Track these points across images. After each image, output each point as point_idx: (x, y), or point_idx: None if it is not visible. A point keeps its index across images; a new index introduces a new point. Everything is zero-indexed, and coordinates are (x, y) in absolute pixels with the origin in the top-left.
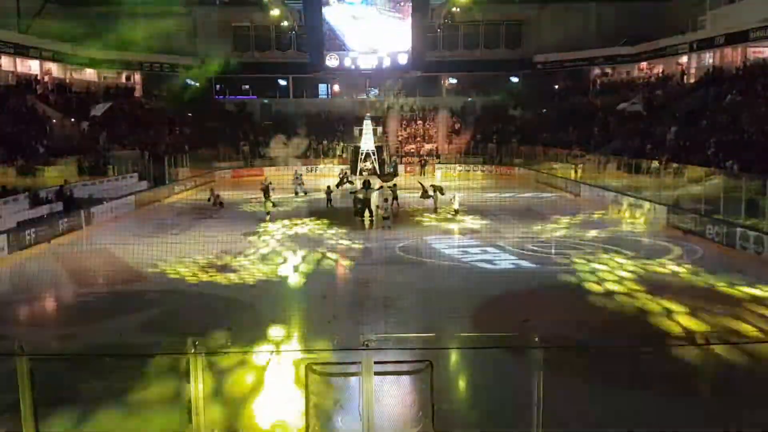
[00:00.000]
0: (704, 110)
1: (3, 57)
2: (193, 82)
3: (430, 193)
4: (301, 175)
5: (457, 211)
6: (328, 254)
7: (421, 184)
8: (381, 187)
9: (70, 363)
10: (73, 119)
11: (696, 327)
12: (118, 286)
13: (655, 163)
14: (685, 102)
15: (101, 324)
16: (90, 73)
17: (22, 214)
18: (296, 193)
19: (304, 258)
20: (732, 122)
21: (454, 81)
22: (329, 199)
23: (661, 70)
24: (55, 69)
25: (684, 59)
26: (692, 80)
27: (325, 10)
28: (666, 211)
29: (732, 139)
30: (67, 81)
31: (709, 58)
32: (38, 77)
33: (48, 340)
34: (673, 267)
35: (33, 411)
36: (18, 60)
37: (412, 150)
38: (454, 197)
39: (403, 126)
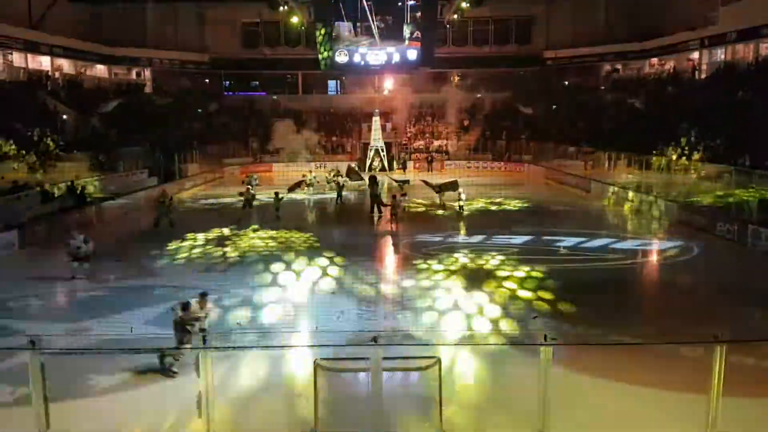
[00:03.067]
0: (715, 106)
1: (14, 53)
2: None
3: (435, 189)
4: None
5: (462, 208)
6: (336, 250)
7: (425, 182)
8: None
9: (81, 357)
10: (85, 113)
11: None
12: (128, 281)
13: (665, 160)
14: (697, 98)
15: (112, 318)
16: (101, 70)
17: (33, 210)
18: (157, 225)
19: (311, 254)
20: (743, 118)
21: (463, 77)
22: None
23: (672, 66)
24: (66, 65)
25: (695, 55)
26: (703, 76)
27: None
28: (676, 208)
29: (743, 136)
30: (78, 77)
31: (720, 54)
32: (49, 73)
33: (59, 334)
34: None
35: (44, 404)
36: (29, 56)
37: (420, 146)
38: (460, 194)
39: (412, 122)
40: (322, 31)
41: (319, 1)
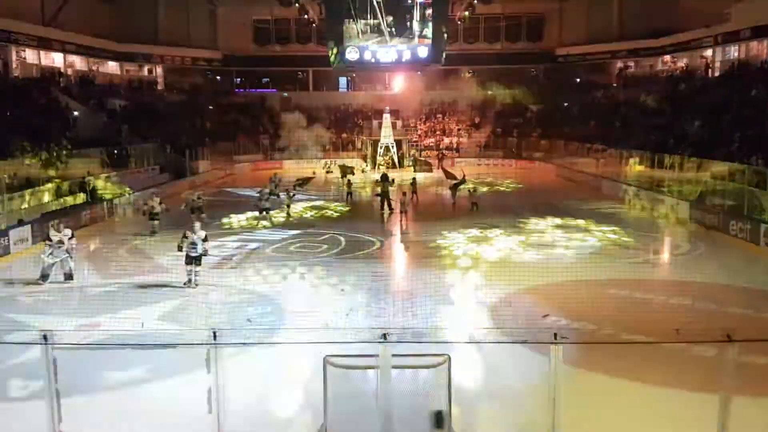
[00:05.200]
0: (728, 104)
1: (27, 50)
2: None
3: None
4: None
5: (475, 205)
6: (346, 246)
7: (445, 171)
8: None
9: (93, 352)
10: (95, 107)
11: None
12: (139, 277)
13: (678, 158)
14: (709, 96)
15: (123, 314)
16: (113, 66)
17: (45, 206)
18: (44, 279)
19: (321, 251)
20: (757, 116)
21: (474, 74)
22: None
23: (685, 64)
24: (78, 62)
25: (708, 52)
26: (717, 74)
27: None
28: (688, 207)
29: (757, 134)
30: (90, 74)
31: (734, 51)
32: (62, 70)
33: (71, 329)
34: None
35: (56, 398)
36: (42, 53)
37: (431, 144)
38: (473, 191)
39: (423, 120)
40: (335, 51)
41: None
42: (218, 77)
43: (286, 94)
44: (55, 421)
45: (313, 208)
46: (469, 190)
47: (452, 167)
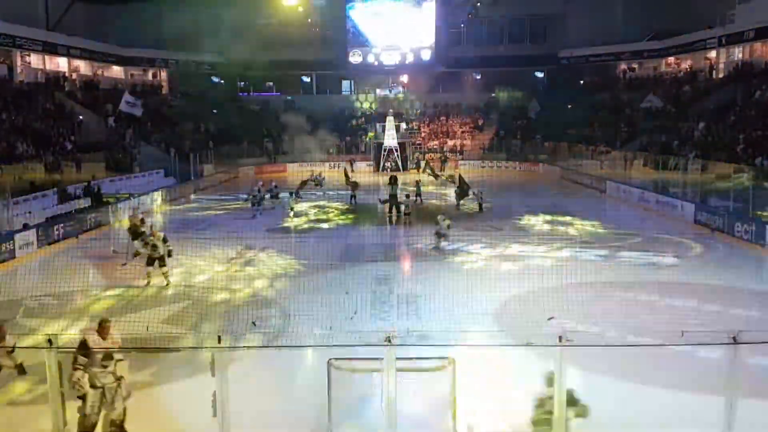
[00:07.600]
0: (733, 106)
1: (32, 54)
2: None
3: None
4: None
5: (481, 206)
6: (350, 248)
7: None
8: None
9: None
10: (101, 111)
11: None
12: (144, 281)
13: (683, 159)
14: (714, 97)
15: (128, 318)
16: (117, 71)
17: (50, 210)
18: None
19: (325, 253)
20: (761, 118)
21: (477, 76)
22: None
23: (689, 65)
24: (82, 66)
25: (712, 54)
26: (721, 75)
27: (348, 7)
28: (693, 208)
29: (761, 135)
30: (95, 78)
31: (738, 52)
32: (66, 74)
33: (76, 333)
34: None
35: (61, 402)
36: (46, 57)
37: (435, 146)
38: (478, 193)
39: (426, 122)
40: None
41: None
42: (222, 81)
43: (289, 97)
44: (60, 425)
45: (318, 210)
46: (474, 193)
47: (456, 169)
